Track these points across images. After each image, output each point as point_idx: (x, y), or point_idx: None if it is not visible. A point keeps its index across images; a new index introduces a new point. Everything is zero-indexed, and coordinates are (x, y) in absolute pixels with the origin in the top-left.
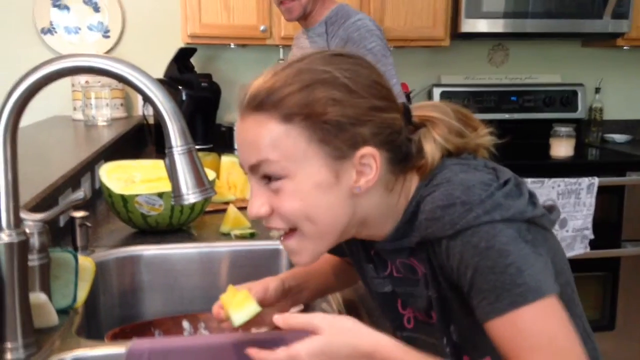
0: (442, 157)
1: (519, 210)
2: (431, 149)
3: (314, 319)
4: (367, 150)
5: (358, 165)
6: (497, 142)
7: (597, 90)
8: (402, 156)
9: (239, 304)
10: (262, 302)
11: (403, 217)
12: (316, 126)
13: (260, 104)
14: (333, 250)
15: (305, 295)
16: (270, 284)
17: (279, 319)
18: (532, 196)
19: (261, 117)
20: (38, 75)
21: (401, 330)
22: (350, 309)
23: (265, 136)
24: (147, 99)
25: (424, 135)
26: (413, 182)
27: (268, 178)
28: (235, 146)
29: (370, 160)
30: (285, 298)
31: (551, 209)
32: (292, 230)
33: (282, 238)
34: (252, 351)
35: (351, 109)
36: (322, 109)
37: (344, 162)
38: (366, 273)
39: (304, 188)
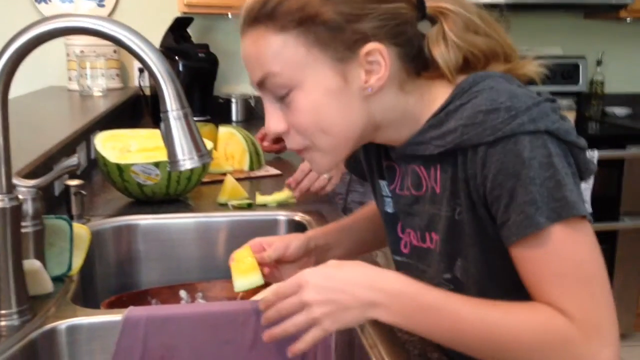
0: (474, 67)
1: (564, 128)
2: (440, 52)
3: (302, 273)
4: (371, 46)
5: (365, 64)
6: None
7: (599, 63)
8: (414, 52)
9: (245, 271)
10: (282, 259)
11: (428, 122)
12: (311, 29)
13: (255, 18)
14: (355, 172)
15: (337, 253)
16: (293, 241)
17: (262, 303)
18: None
19: (258, 31)
20: (29, 36)
21: (398, 254)
22: None
23: (265, 49)
24: (140, 61)
25: (431, 37)
26: (439, 88)
27: (279, 93)
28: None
29: (377, 56)
30: (309, 256)
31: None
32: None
33: (300, 151)
34: (262, 304)
35: (345, 5)
36: (314, 11)
37: (349, 62)
38: (377, 190)
39: (315, 96)
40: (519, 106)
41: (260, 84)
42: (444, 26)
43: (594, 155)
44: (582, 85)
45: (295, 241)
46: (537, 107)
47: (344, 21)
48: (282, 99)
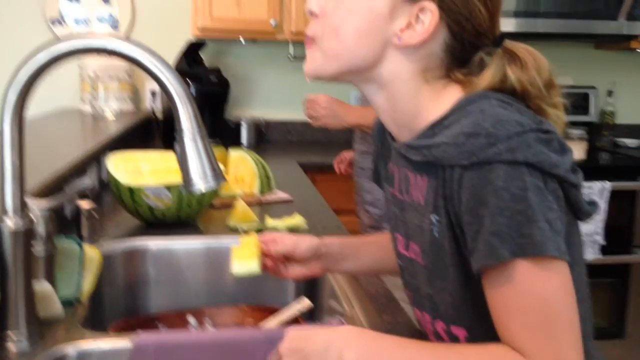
0: (489, 88)
1: (549, 161)
2: (492, 72)
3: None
4: (431, 5)
5: (414, 16)
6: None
7: (610, 93)
8: (460, 54)
9: (245, 257)
10: (290, 257)
11: (425, 130)
12: None
13: None
14: (377, 182)
15: (350, 266)
16: (304, 242)
17: None
18: (575, 169)
19: None
20: (47, 54)
21: (398, 256)
22: (365, 307)
23: None
24: (157, 81)
25: (498, 56)
26: (451, 96)
27: None
28: (243, 141)
29: (427, 18)
30: (318, 260)
31: (590, 202)
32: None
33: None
34: None
35: None
36: None
37: (404, 5)
38: (387, 196)
39: (357, 3)
40: (499, 134)
41: None
42: (507, 65)
43: (606, 186)
44: (592, 116)
45: (306, 242)
46: (518, 137)
47: None
48: None
